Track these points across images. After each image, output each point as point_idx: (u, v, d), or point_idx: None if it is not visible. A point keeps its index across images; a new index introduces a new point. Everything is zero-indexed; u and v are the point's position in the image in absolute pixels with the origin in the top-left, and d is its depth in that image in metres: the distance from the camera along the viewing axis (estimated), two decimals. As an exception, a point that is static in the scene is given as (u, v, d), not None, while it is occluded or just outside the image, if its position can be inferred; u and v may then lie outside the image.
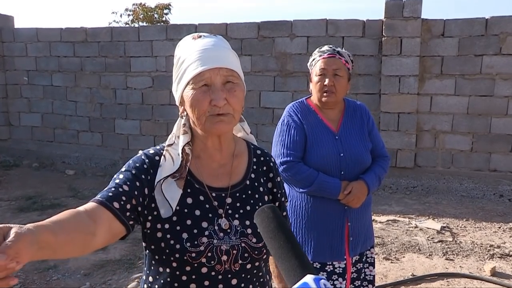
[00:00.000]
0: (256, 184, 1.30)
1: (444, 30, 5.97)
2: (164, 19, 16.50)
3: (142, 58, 7.27)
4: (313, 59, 2.22)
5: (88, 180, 6.98)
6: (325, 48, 2.21)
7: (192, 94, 1.15)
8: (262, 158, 1.35)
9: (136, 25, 14.90)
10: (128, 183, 1.16)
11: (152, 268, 1.23)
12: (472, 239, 4.54)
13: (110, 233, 1.10)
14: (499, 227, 4.87)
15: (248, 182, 1.28)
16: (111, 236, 1.11)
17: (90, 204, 1.09)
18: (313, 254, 2.18)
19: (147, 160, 1.21)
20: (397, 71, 6.08)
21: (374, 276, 2.33)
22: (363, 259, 2.28)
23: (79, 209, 1.05)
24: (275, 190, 1.34)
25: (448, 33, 5.95)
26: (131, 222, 1.14)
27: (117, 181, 1.17)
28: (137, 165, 1.20)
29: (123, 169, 1.21)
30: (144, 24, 15.57)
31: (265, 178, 1.33)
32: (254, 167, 1.32)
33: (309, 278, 0.72)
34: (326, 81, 2.16)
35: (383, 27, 6.11)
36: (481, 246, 4.34)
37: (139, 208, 1.17)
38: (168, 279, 1.19)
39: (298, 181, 2.16)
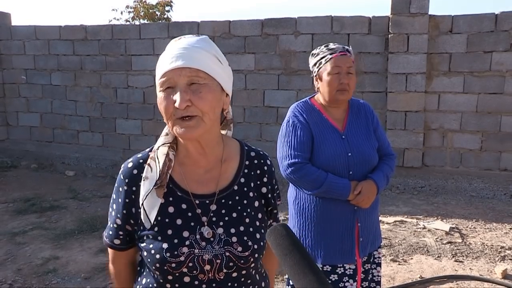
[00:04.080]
0: (245, 189, 1.25)
1: (452, 26, 5.88)
2: (165, 16, 16.44)
3: (143, 56, 7.20)
4: (323, 57, 2.16)
5: (89, 181, 6.92)
6: (334, 46, 2.18)
7: (159, 97, 1.13)
8: (255, 161, 1.29)
9: (137, 23, 14.84)
10: (119, 215, 1.23)
11: (148, 270, 1.24)
12: (482, 240, 4.49)
13: (135, 252, 1.31)
14: (510, 228, 4.81)
15: (236, 188, 1.24)
16: (137, 251, 1.29)
17: (110, 253, 1.33)
18: (324, 258, 2.16)
19: (126, 180, 1.22)
20: (404, 68, 6.00)
21: (380, 277, 2.33)
22: (371, 260, 2.28)
23: (121, 271, 1.33)
24: (269, 195, 1.30)
25: (456, 30, 5.87)
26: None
27: (112, 213, 1.26)
28: (120, 189, 1.23)
29: (113, 197, 1.26)
30: (145, 21, 15.52)
31: (258, 183, 1.28)
32: (246, 170, 1.27)
33: None
34: (342, 79, 2.13)
35: (390, 23, 6.03)
36: (491, 248, 4.29)
37: (135, 228, 1.23)
38: (155, 285, 1.20)
39: (307, 182, 2.12)
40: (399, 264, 3.97)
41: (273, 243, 0.86)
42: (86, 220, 5.05)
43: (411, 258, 4.08)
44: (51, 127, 8.00)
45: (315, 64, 2.19)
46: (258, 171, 1.28)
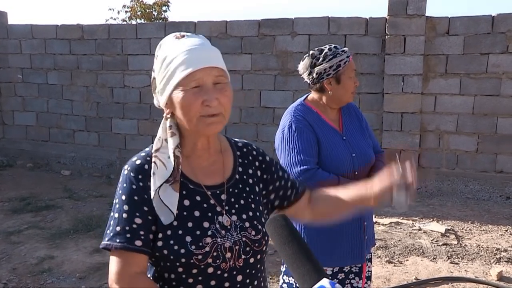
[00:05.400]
0: (245, 177, 1.31)
1: (449, 28, 5.88)
2: (162, 16, 16.42)
3: (140, 56, 7.18)
4: (341, 60, 2.09)
5: (84, 180, 6.91)
6: (344, 48, 2.15)
7: (183, 96, 1.14)
8: (244, 150, 1.37)
9: (134, 22, 14.81)
10: (137, 214, 1.17)
11: (156, 275, 1.23)
12: (478, 242, 4.49)
13: (145, 270, 1.20)
14: (506, 230, 4.82)
15: (237, 177, 1.30)
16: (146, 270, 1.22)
17: (121, 260, 1.15)
18: (334, 261, 2.16)
19: (140, 176, 1.20)
20: (401, 70, 6.00)
21: (371, 271, 2.37)
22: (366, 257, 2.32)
23: (140, 278, 1.16)
24: (265, 176, 1.36)
25: (453, 31, 5.87)
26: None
27: (124, 215, 1.17)
28: (134, 187, 1.19)
29: (123, 198, 1.19)
30: (142, 21, 15.49)
31: (253, 168, 1.35)
32: (240, 160, 1.33)
33: (325, 281, 0.76)
34: (356, 82, 2.17)
35: (387, 25, 6.02)
36: (487, 250, 4.30)
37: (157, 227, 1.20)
38: (174, 283, 1.19)
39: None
40: (394, 266, 3.98)
41: (273, 233, 0.89)
42: (82, 219, 5.04)
43: (407, 260, 4.09)
44: (47, 126, 7.97)
45: (331, 67, 2.09)
46: (250, 157, 1.36)
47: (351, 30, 6.23)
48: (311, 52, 2.15)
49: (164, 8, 16.42)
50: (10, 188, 6.41)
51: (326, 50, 2.12)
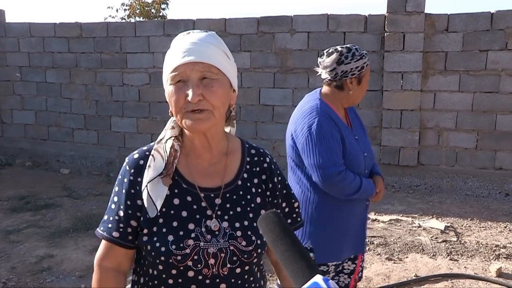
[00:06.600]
0: (248, 184, 1.26)
1: (448, 25, 5.88)
2: (161, 14, 16.41)
3: (138, 54, 7.17)
4: (365, 63, 2.12)
5: (84, 179, 6.90)
6: (364, 51, 2.18)
7: (169, 90, 1.15)
8: (256, 158, 1.30)
9: (133, 20, 14.78)
10: (121, 207, 1.21)
11: (144, 269, 1.23)
12: (477, 239, 4.50)
13: (128, 258, 1.25)
14: (505, 227, 4.83)
15: (240, 182, 1.25)
16: (131, 259, 1.27)
17: (102, 248, 1.24)
18: (342, 254, 2.22)
19: (132, 171, 1.22)
20: (400, 67, 6.00)
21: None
22: None
23: (108, 274, 1.23)
24: (268, 193, 1.29)
25: (452, 28, 5.87)
26: (136, 242, 1.22)
27: (112, 206, 1.23)
28: (125, 180, 1.22)
29: (116, 189, 1.24)
30: (141, 19, 15.47)
31: (257, 180, 1.28)
32: (247, 166, 1.28)
33: (319, 278, 0.76)
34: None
35: (386, 22, 6.02)
36: (486, 246, 4.31)
37: (139, 223, 1.21)
38: (156, 282, 1.19)
39: (349, 188, 2.10)
40: (394, 263, 3.98)
41: (265, 230, 0.88)
42: (81, 218, 5.03)
43: (406, 257, 4.10)
44: (46, 125, 7.96)
45: (357, 67, 2.10)
46: (258, 169, 1.29)
47: (350, 27, 6.22)
48: (339, 48, 2.11)
49: (163, 6, 16.41)
50: (9, 187, 6.40)
51: (353, 49, 2.10)
